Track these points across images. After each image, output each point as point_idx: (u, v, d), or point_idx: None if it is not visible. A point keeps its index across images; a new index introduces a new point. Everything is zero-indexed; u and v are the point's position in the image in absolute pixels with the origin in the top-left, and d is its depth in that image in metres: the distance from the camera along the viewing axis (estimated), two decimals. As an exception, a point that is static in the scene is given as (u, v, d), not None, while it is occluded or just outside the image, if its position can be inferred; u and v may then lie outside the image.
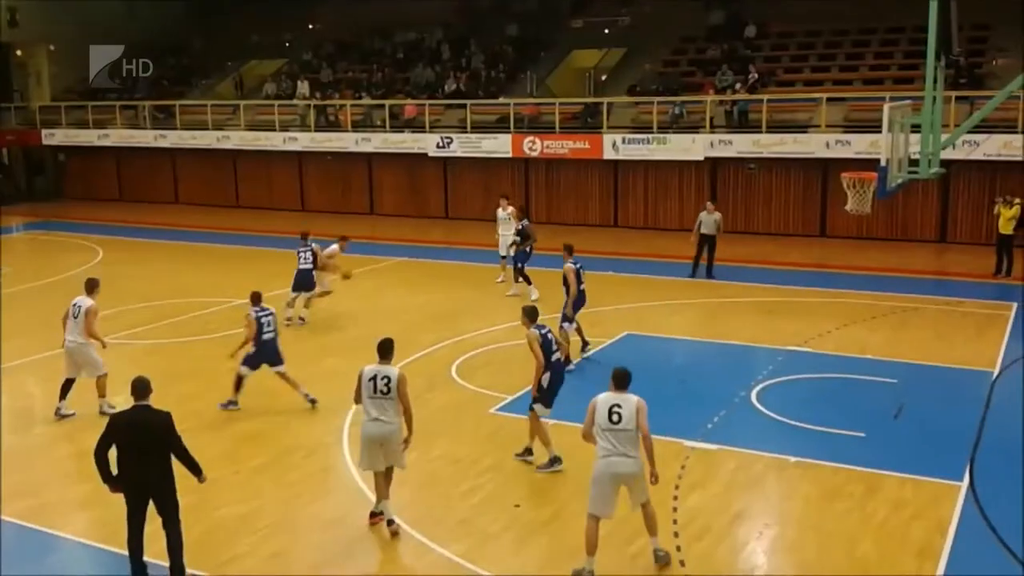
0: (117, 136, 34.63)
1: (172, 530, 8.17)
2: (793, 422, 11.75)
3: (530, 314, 10.60)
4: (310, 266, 16.86)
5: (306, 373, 14.26)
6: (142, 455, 8.04)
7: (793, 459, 10.61)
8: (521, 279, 18.54)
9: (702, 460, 10.67)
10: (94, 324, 12.32)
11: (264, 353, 12.43)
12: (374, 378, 8.98)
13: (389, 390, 8.94)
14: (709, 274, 19.90)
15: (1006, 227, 19.54)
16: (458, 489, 9.95)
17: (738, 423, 11.80)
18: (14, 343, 15.56)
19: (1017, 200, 19.68)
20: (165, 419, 8.15)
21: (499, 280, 19.81)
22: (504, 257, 19.68)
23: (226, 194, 33.99)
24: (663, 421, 11.67)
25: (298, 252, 16.95)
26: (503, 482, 10.24)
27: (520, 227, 18.81)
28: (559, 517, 9.42)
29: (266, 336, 12.36)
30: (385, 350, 9.17)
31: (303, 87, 32.91)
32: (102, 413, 11.99)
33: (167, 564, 8.16)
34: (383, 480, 9.15)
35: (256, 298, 12.70)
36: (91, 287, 12.58)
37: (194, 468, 8.29)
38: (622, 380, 8.41)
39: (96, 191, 36.52)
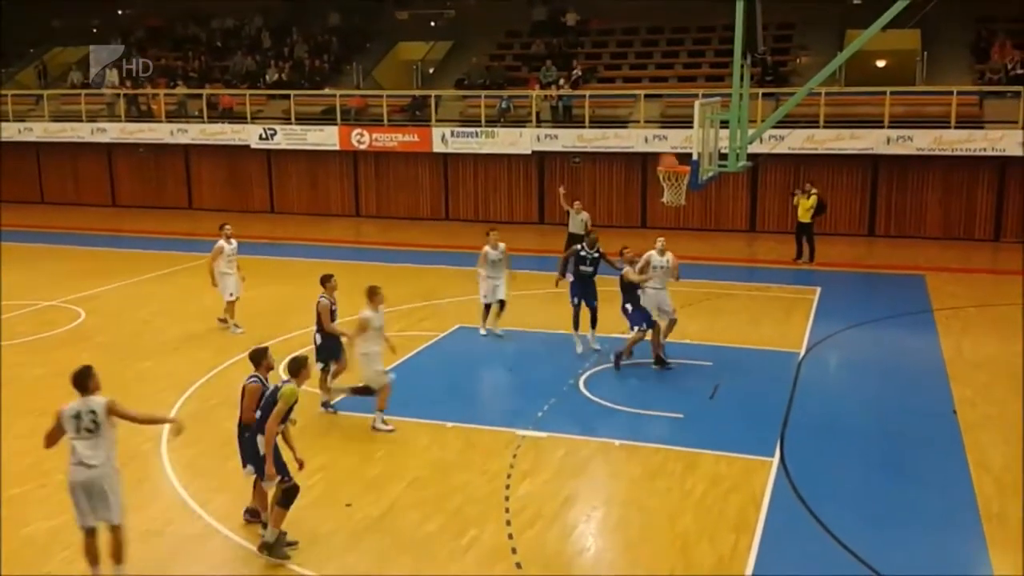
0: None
1: None
2: (618, 407, 12.14)
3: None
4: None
5: (117, 378, 13.56)
6: None
7: (618, 442, 10.96)
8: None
9: (532, 448, 10.85)
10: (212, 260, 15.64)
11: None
12: (77, 415, 7.66)
13: (96, 426, 7.66)
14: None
15: (804, 216, 20.91)
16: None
17: (566, 410, 12.07)
18: None
19: (814, 190, 21.08)
20: None
21: (483, 333, 15.58)
22: (491, 304, 15.39)
23: (29, 189, 31.77)
24: (494, 411, 11.90)
25: (333, 307, 12.05)
26: (334, 481, 10.07)
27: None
28: (392, 513, 9.34)
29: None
30: (81, 383, 7.74)
31: (112, 75, 31.16)
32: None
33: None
34: (96, 542, 7.91)
35: None
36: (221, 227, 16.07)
37: None
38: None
39: None
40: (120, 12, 35.75)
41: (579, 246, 14.41)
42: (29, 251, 23.71)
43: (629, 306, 13.42)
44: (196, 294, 18.78)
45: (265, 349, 9.05)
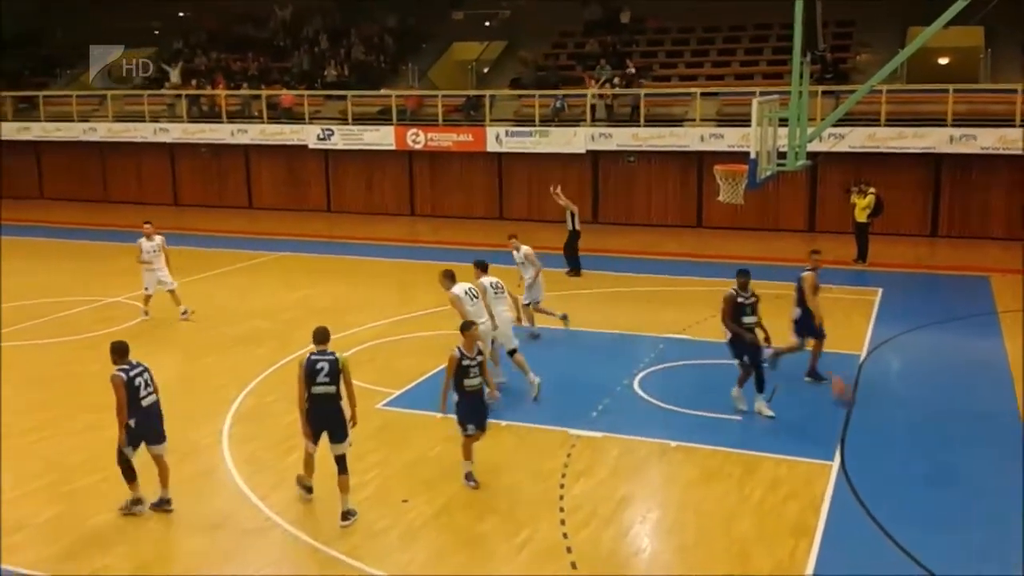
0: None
1: None
2: (674, 407, 12.04)
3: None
4: (477, 381, 9.91)
5: (180, 372, 13.85)
6: None
7: (674, 443, 10.86)
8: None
9: (587, 448, 10.82)
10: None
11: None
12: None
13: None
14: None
15: (860, 215, 20.54)
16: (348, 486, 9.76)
17: (621, 410, 12.01)
18: None
19: (872, 189, 20.68)
20: None
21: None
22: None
23: (94, 188, 32.57)
24: (549, 410, 11.87)
25: (463, 361, 9.80)
26: (390, 478, 10.15)
27: None
28: (448, 510, 9.38)
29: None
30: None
31: (175, 74, 31.80)
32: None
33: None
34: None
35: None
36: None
37: None
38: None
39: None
40: (181, 15, 36.40)
41: (732, 291, 11.82)
42: (94, 248, 24.29)
43: (798, 312, 12.77)
44: (255, 292, 19.11)
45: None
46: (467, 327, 9.95)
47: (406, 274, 20.58)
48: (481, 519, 9.20)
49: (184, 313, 16.71)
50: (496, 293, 12.88)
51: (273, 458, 10.60)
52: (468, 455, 9.90)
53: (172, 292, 16.73)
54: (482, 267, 13.35)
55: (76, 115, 31.57)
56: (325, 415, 9.17)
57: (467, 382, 9.73)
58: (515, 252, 15.31)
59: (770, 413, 11.65)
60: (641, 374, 13.28)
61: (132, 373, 9.17)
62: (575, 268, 19.98)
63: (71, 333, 15.83)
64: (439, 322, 16.26)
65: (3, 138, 32.40)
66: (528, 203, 27.30)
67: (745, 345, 11.60)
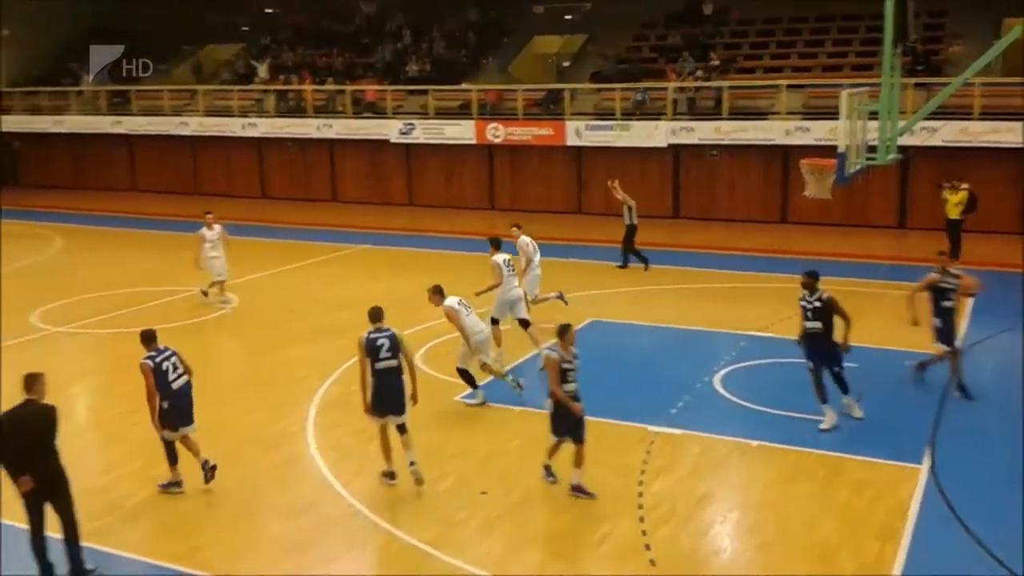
0: (72, 123, 33.99)
1: (70, 523, 8.07)
2: (755, 406, 11.86)
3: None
4: (573, 387, 9.49)
5: (266, 362, 14.19)
6: (33, 451, 7.88)
7: (756, 443, 10.71)
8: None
9: (667, 445, 10.74)
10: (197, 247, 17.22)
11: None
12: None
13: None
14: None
15: (953, 211, 19.88)
16: (424, 476, 9.89)
17: (701, 408, 11.90)
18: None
19: (964, 185, 19.98)
20: (52, 413, 8.02)
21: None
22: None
23: (185, 181, 33.54)
24: (628, 406, 11.82)
25: (561, 363, 9.38)
26: (470, 469, 10.24)
27: None
28: (526, 503, 9.43)
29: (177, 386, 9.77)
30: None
31: (263, 69, 32.52)
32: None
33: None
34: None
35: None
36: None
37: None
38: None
39: (52, 179, 35.81)
40: (268, 11, 37.17)
41: (800, 296, 11.27)
42: (186, 239, 24.99)
43: (939, 321, 12.10)
44: (338, 283, 19.47)
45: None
46: (563, 331, 9.44)
47: (486, 268, 20.67)
48: (559, 514, 9.22)
49: (206, 294, 17.39)
50: (509, 271, 13.83)
51: (357, 444, 10.80)
52: (551, 455, 9.80)
53: (222, 281, 17.35)
54: (496, 244, 13.98)
55: (168, 109, 32.54)
56: (389, 389, 9.63)
57: (563, 387, 9.33)
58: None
59: (859, 414, 11.38)
60: (722, 371, 13.12)
61: (159, 359, 9.57)
62: (625, 263, 20.05)
63: (166, 320, 16.31)
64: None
65: (98, 131, 33.58)
66: (607, 197, 27.04)
67: (803, 350, 11.25)
